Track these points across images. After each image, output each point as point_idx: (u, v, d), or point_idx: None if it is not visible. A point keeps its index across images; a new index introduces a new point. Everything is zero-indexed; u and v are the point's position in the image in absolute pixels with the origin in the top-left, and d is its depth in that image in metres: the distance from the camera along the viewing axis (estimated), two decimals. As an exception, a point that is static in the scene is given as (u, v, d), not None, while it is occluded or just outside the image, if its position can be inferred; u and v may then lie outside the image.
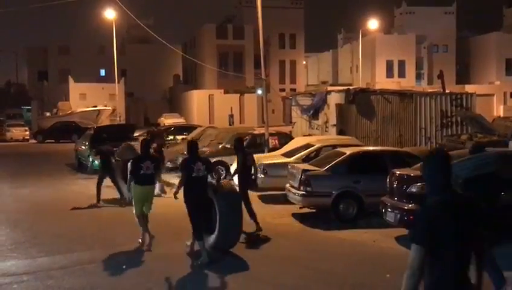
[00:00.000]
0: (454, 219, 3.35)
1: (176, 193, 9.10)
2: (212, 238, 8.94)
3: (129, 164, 9.88)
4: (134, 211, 9.70)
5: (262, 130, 20.60)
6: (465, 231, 3.37)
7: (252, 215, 10.57)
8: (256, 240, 10.03)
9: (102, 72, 64.50)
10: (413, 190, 9.52)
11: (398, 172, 10.11)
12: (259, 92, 43.82)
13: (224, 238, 8.94)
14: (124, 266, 8.48)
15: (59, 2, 30.58)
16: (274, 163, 14.59)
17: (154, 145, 15.01)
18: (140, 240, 9.63)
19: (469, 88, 43.99)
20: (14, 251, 9.51)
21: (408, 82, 59.58)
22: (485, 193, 6.36)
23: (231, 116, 49.27)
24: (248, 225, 10.30)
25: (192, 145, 9.33)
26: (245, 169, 11.02)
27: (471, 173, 6.30)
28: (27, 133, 42.60)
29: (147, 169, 9.51)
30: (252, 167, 11.32)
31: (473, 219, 3.42)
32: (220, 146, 19.75)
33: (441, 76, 25.48)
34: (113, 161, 14.44)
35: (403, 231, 9.96)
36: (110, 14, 43.22)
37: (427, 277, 3.39)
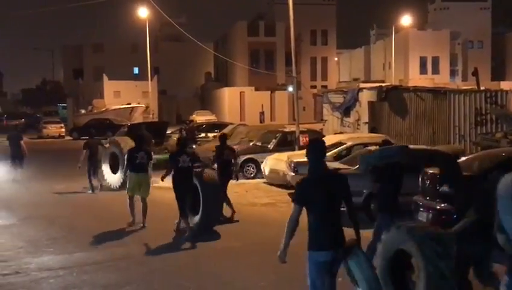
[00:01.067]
0: (322, 187, 5.03)
1: (163, 177, 10.57)
2: (196, 218, 10.54)
3: (126, 155, 11.81)
4: (127, 194, 11.38)
5: (293, 128, 20.62)
6: (332, 196, 5.06)
7: (228, 202, 11.89)
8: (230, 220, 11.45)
9: (136, 70, 65.41)
10: (446, 189, 9.42)
11: (430, 171, 10.00)
12: (290, 89, 43.80)
13: (206, 218, 10.53)
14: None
15: (94, 1, 31.10)
16: (305, 161, 14.57)
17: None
18: (133, 222, 11.20)
19: (504, 85, 43.08)
20: (50, 245, 9.78)
21: (442, 79, 58.67)
22: (388, 179, 7.87)
23: (262, 113, 49.35)
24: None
25: (181, 142, 11.07)
26: (222, 162, 12.24)
27: (378, 162, 7.48)
28: (63, 130, 43.48)
29: (141, 159, 11.22)
30: (233, 161, 12.63)
31: (340, 187, 5.15)
32: (251, 144, 19.84)
33: (475, 73, 24.98)
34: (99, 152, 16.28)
35: (435, 231, 9.86)
36: (143, 12, 43.77)
37: (308, 225, 5.08)
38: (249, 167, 18.52)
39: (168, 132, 25.91)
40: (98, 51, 67.35)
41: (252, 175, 18.25)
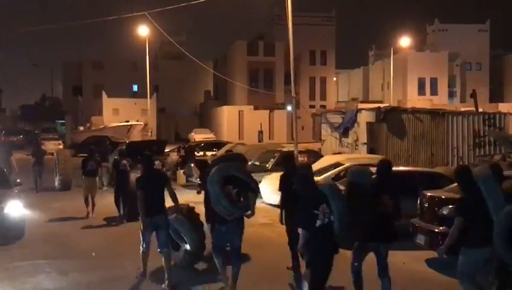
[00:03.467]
0: (150, 181, 8.59)
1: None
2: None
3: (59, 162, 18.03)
4: (83, 194, 14.86)
5: (291, 147, 20.56)
6: (156, 185, 8.58)
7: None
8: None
9: (135, 88, 65.45)
10: (445, 212, 9.37)
11: (429, 193, 9.97)
12: (289, 108, 43.87)
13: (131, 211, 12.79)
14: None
15: (94, 20, 31.23)
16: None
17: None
18: (89, 214, 14.72)
19: (503, 107, 43.23)
20: (46, 265, 9.68)
21: (440, 100, 58.88)
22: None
23: (260, 132, 49.34)
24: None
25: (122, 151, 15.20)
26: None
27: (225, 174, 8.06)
28: (60, 146, 43.27)
29: (91, 166, 14.92)
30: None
31: (161, 180, 8.82)
32: (249, 163, 19.77)
33: (473, 95, 25.08)
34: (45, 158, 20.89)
35: (433, 254, 9.83)
36: (143, 31, 43.97)
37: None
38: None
39: (167, 150, 25.88)
40: (98, 68, 67.41)
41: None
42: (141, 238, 8.68)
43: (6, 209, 11.43)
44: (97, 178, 15.38)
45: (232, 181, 7.78)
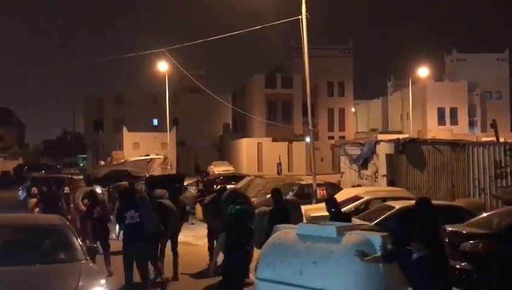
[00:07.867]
0: (49, 199, 14.74)
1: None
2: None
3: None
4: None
5: (310, 180, 20.44)
6: (54, 202, 14.31)
7: None
8: None
9: (155, 122, 66.11)
10: (466, 247, 9.20)
11: (450, 228, 9.81)
12: (308, 140, 43.88)
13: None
14: None
15: (114, 57, 31.82)
16: (322, 216, 14.39)
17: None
18: None
19: (525, 136, 42.67)
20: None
21: (461, 130, 58.45)
22: None
23: (279, 164, 49.30)
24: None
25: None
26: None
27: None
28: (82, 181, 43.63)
29: (33, 191, 20.97)
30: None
31: (56, 198, 14.80)
32: (268, 196, 19.65)
33: (494, 125, 24.88)
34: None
35: None
36: (162, 66, 44.66)
37: None
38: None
39: (186, 183, 25.89)
40: (119, 103, 68.30)
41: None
42: None
43: None
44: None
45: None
